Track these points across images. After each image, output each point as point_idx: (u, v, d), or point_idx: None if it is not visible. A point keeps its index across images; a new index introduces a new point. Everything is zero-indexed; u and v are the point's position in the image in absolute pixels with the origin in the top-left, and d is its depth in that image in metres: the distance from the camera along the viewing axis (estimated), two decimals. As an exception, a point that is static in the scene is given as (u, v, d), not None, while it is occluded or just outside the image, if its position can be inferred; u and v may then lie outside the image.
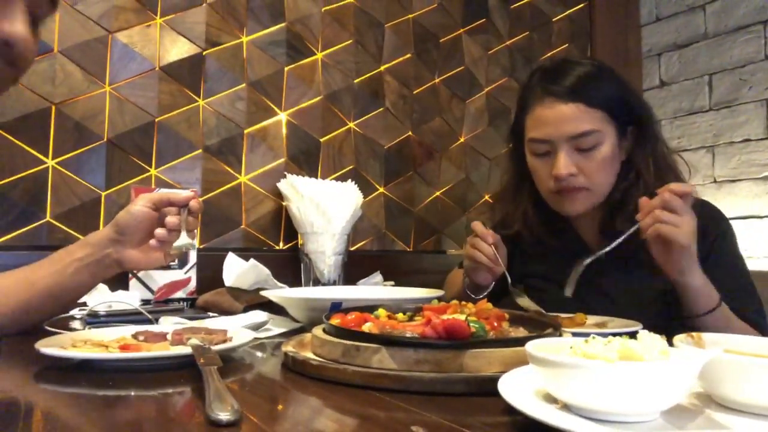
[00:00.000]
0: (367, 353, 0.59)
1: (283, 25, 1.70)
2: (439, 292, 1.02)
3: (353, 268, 1.53)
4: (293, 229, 1.58)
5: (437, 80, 2.02)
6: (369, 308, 0.77)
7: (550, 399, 0.46)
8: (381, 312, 0.75)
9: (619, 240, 0.98)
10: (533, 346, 0.47)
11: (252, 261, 1.36)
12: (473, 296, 1.15)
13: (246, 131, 1.62)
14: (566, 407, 0.44)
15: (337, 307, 0.86)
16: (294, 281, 1.46)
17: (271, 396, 0.59)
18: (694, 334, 0.56)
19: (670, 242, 0.89)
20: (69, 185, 1.36)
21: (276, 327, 0.98)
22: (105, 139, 1.41)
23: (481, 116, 2.12)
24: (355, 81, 1.83)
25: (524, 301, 1.03)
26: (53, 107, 1.35)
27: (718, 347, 0.54)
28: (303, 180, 1.59)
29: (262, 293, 1.08)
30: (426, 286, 1.16)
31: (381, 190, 1.87)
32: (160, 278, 1.36)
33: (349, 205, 1.54)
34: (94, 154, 1.39)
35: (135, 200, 0.97)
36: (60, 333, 0.83)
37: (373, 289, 1.39)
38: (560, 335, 0.64)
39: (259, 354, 0.79)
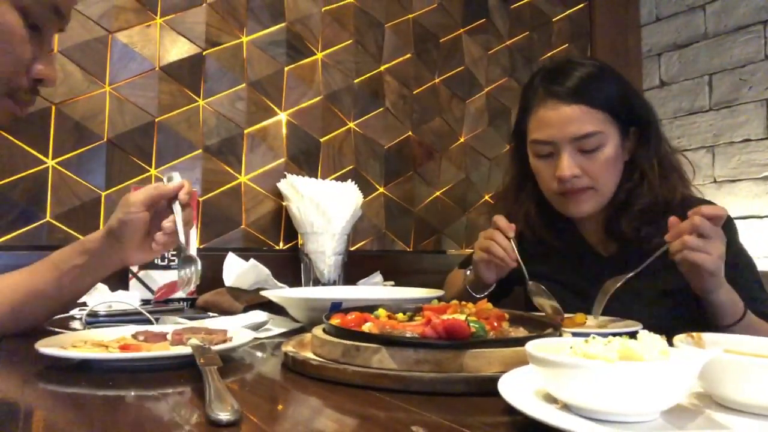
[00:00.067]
0: (367, 353, 0.59)
1: (283, 25, 1.70)
2: (439, 292, 1.02)
3: (353, 268, 1.53)
4: (293, 229, 1.58)
5: (437, 80, 2.02)
6: (369, 308, 0.77)
7: (550, 399, 0.46)
8: (381, 312, 0.75)
9: (649, 260, 0.95)
10: (533, 346, 0.47)
11: (252, 261, 1.36)
12: (475, 295, 1.15)
13: (246, 131, 1.62)
14: (566, 407, 0.44)
15: (337, 307, 0.86)
16: (294, 281, 1.46)
17: (271, 396, 0.59)
18: (694, 334, 0.56)
19: (698, 267, 0.89)
20: (69, 185, 1.36)
21: (276, 327, 0.98)
22: (105, 139, 1.41)
23: (481, 116, 2.12)
24: (355, 81, 1.83)
25: (541, 299, 1.00)
26: (53, 107, 1.35)
27: (718, 347, 0.54)
28: (303, 180, 1.59)
29: (262, 293, 1.08)
30: (426, 286, 1.16)
31: (381, 190, 1.87)
32: (160, 278, 1.36)
33: (349, 205, 1.54)
34: (94, 154, 1.40)
35: (125, 203, 0.92)
36: (60, 333, 0.83)
37: (373, 289, 1.39)
38: (560, 335, 0.64)
39: (259, 354, 0.79)
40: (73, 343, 0.71)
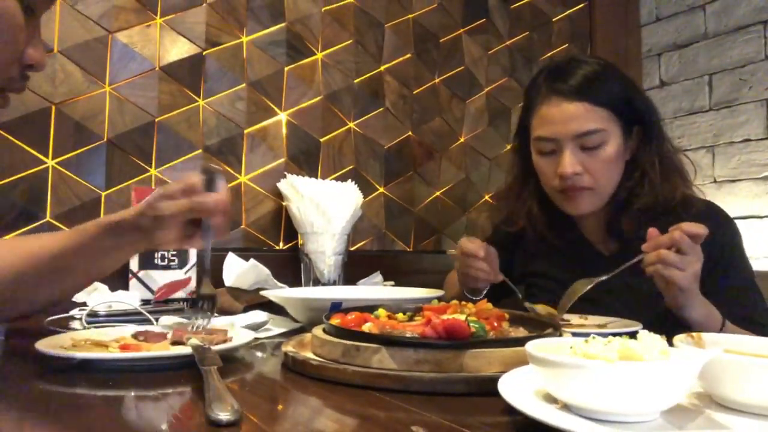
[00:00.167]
0: (367, 353, 0.59)
1: (283, 25, 1.70)
2: (439, 292, 1.02)
3: (353, 268, 1.53)
4: (293, 229, 1.58)
5: (437, 80, 2.02)
6: (369, 308, 0.77)
7: (550, 399, 0.46)
8: (381, 312, 0.75)
9: (622, 267, 0.96)
10: (533, 346, 0.47)
11: (252, 261, 1.36)
12: (472, 298, 1.15)
13: (246, 131, 1.62)
14: (566, 407, 0.44)
15: (337, 307, 0.86)
16: (294, 281, 1.46)
17: (271, 396, 0.59)
18: (694, 334, 0.56)
19: (671, 283, 0.89)
20: (69, 185, 1.36)
21: (276, 327, 0.98)
22: (105, 139, 1.41)
23: (481, 116, 2.12)
24: (355, 81, 1.83)
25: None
26: (53, 107, 1.35)
27: (718, 347, 0.54)
28: (303, 180, 1.59)
29: (262, 293, 1.08)
30: (426, 286, 1.16)
31: (381, 190, 1.87)
32: (160, 278, 1.36)
33: (349, 205, 1.54)
34: (94, 154, 1.40)
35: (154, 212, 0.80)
36: (60, 333, 0.83)
37: (373, 289, 1.39)
38: (560, 335, 0.64)
39: (259, 354, 0.79)
40: (73, 343, 0.71)
